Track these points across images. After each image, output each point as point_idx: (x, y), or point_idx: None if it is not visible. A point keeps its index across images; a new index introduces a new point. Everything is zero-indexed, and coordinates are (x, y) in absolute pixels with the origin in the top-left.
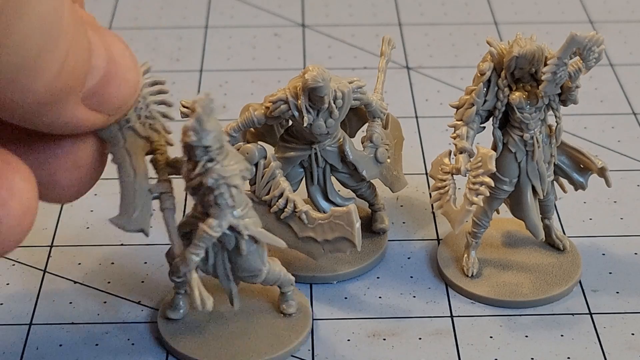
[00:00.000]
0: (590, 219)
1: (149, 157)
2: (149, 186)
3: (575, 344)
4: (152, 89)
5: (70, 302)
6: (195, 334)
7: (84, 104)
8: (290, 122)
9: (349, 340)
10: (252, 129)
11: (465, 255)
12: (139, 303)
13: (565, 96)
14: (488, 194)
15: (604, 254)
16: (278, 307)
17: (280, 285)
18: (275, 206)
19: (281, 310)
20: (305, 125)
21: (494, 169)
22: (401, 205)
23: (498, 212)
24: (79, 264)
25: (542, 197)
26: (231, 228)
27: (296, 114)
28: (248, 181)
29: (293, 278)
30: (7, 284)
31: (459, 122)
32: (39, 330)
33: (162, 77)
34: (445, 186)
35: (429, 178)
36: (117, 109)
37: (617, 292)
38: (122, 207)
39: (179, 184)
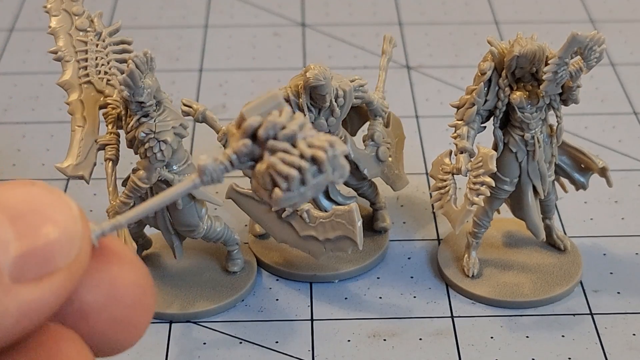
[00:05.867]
0: (591, 219)
1: (102, 111)
2: (95, 137)
3: (576, 345)
4: (116, 48)
5: None
6: None
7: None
8: None
9: (349, 340)
10: None
11: (466, 256)
12: None
13: (566, 96)
14: (489, 194)
15: (605, 254)
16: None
17: (225, 244)
18: None
19: (226, 268)
20: None
21: (495, 169)
22: (401, 205)
23: (499, 212)
24: None
25: (542, 197)
26: (166, 182)
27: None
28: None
29: (238, 238)
30: None
31: (459, 122)
32: None
33: (129, 38)
34: (446, 186)
35: (430, 178)
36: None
37: (618, 293)
38: (68, 154)
39: None
